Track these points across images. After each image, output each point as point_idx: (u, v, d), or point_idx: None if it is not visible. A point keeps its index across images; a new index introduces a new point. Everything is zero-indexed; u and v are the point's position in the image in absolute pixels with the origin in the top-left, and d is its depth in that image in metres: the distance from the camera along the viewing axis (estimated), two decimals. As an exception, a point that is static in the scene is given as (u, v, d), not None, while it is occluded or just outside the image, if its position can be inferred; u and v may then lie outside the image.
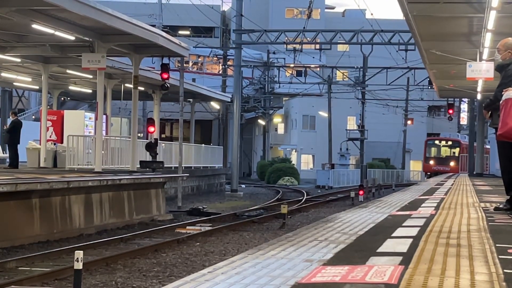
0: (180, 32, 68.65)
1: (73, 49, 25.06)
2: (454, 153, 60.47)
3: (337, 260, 4.90)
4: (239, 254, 5.39)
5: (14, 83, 35.28)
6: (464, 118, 76.13)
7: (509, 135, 8.24)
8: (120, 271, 13.64)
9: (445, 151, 61.25)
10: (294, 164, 66.76)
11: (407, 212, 9.24)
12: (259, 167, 69.40)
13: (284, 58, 62.09)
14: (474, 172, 42.26)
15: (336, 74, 64.41)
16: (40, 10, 19.45)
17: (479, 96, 33.49)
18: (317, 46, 50.87)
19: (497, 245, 5.72)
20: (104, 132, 27.38)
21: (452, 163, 58.48)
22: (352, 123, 72.49)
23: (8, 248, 15.96)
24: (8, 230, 16.58)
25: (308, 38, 47.80)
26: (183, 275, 12.62)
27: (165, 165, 28.85)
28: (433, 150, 61.25)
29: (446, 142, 61.32)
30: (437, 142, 62.18)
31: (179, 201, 30.04)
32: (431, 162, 59.32)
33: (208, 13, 45.75)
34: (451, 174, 41.47)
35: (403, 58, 46.73)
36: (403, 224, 7.52)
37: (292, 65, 59.71)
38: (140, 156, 28.12)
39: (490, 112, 9.22)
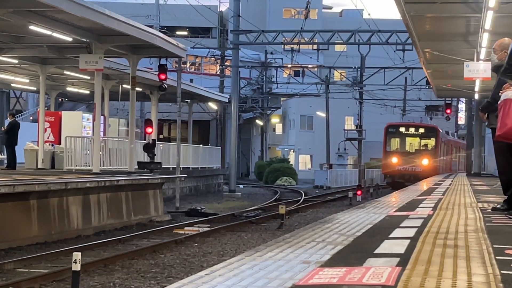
0: (178, 32, 68.62)
1: (70, 50, 25.06)
2: (427, 145, 43.13)
3: (334, 261, 4.90)
4: (237, 255, 5.39)
5: (12, 84, 35.26)
6: (462, 118, 76.05)
7: (508, 136, 8.24)
8: (118, 272, 13.64)
9: (413, 143, 43.65)
10: (292, 164, 66.78)
11: (405, 213, 9.24)
12: (257, 168, 69.40)
13: (282, 59, 62.03)
14: (472, 172, 42.31)
15: (333, 74, 64.43)
16: (37, 11, 19.45)
17: (476, 96, 33.51)
18: (315, 46, 50.88)
19: (494, 246, 5.72)
20: (102, 133, 27.38)
21: (425, 161, 41.38)
22: (350, 123, 72.47)
23: (6, 250, 15.96)
24: (6, 231, 16.57)
25: (305, 38, 47.84)
26: (181, 276, 12.64)
27: (163, 166, 28.86)
28: (396, 142, 43.55)
29: (416, 130, 43.54)
30: (402, 129, 43.58)
31: (177, 201, 30.02)
32: (394, 159, 41.81)
33: (206, 14, 45.75)
34: (447, 174, 40.51)
35: (400, 58, 46.80)
36: (401, 225, 7.52)
37: (289, 66, 59.69)
38: (138, 157, 28.12)
39: (487, 114, 9.22)
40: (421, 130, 43.60)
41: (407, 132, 43.35)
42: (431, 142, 43.07)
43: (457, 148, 54.44)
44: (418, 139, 43.49)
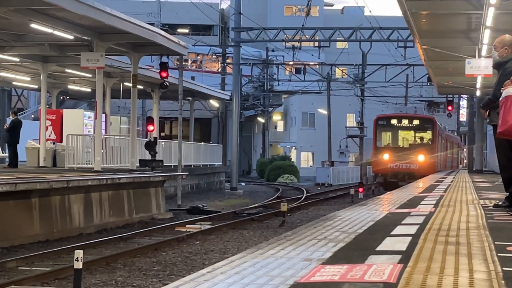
0: (179, 30, 68.58)
1: (72, 48, 25.05)
2: (423, 139, 38.65)
3: (336, 259, 4.90)
4: (239, 253, 5.40)
5: (13, 83, 35.26)
6: (463, 115, 75.93)
7: (509, 133, 8.24)
8: (120, 270, 13.64)
9: (407, 137, 39.10)
10: (293, 162, 66.77)
11: (407, 210, 9.24)
12: (258, 165, 69.40)
13: (283, 56, 62.07)
14: (474, 169, 42.30)
15: (335, 71, 64.41)
16: (38, 10, 19.44)
17: (478, 93, 33.52)
18: (316, 44, 50.90)
19: (496, 242, 5.73)
20: (103, 131, 27.38)
21: (420, 158, 37.03)
22: (351, 120, 72.48)
23: (8, 248, 15.97)
24: (7, 229, 16.58)
25: (307, 36, 47.82)
26: (183, 274, 12.64)
27: (164, 164, 28.86)
28: (387, 136, 39.50)
29: (410, 122, 38.65)
30: (393, 121, 38.95)
31: (178, 199, 30.03)
32: (385, 156, 37.70)
33: (207, 11, 45.74)
34: (448, 171, 40.31)
35: (402, 55, 46.81)
36: (402, 222, 7.53)
37: (291, 63, 59.69)
38: (139, 154, 28.12)
39: (488, 111, 9.23)
40: (416, 122, 38.68)
41: (399, 124, 38.69)
42: (427, 135, 38.58)
43: (451, 143, 52.84)
44: (412, 132, 38.93)
